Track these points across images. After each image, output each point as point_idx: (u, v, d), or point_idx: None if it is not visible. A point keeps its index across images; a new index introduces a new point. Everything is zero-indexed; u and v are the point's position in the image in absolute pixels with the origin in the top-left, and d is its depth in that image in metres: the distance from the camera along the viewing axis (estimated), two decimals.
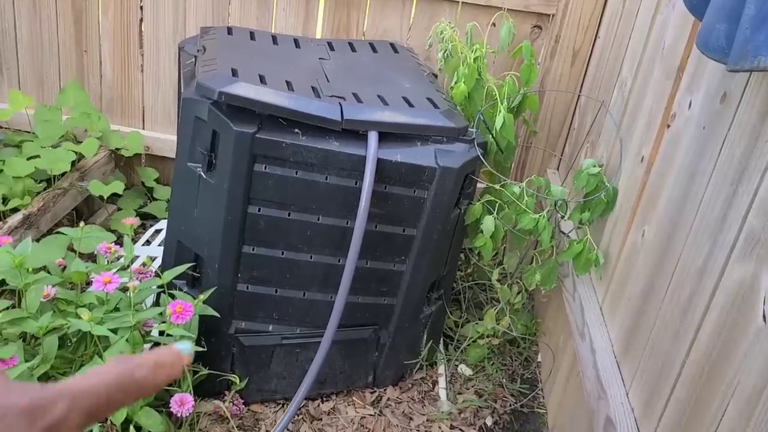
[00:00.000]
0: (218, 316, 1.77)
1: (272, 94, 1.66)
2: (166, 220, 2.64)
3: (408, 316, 1.99)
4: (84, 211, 2.60)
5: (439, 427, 1.99)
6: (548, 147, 2.53)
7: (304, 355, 1.95)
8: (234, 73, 1.71)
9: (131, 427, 1.54)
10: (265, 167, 1.70)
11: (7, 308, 1.55)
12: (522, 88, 2.01)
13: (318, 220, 1.78)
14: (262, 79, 1.72)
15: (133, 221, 1.85)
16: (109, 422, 1.54)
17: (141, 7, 2.63)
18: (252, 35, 2.11)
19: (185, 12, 2.61)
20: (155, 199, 2.83)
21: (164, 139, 2.80)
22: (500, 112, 1.89)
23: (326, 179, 1.73)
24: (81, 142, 2.58)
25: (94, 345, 1.70)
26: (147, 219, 2.76)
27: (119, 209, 2.72)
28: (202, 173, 1.77)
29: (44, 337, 1.55)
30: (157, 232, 2.58)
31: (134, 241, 2.59)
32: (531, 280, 1.98)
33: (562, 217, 1.88)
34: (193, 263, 1.85)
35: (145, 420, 1.61)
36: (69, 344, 1.71)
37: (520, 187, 1.83)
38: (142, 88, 2.77)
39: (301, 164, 1.71)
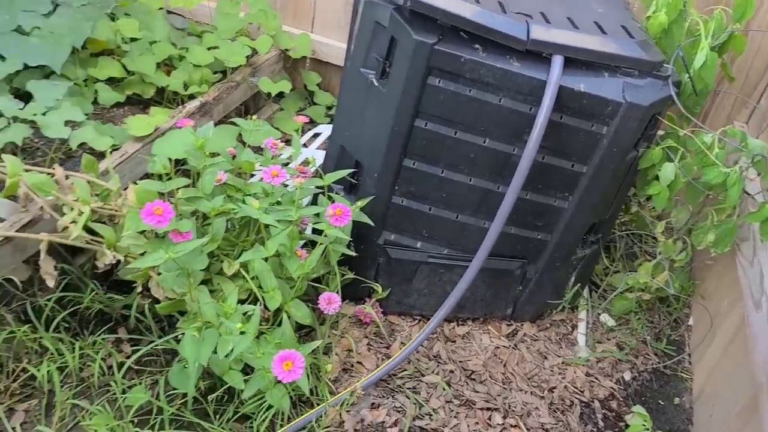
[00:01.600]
0: (372, 224, 1.78)
1: (458, 4, 1.58)
2: (324, 125, 2.70)
3: (560, 256, 1.91)
4: (250, 106, 2.70)
5: (575, 372, 1.94)
6: (743, 96, 2.27)
7: (448, 276, 1.95)
8: None
9: (283, 315, 1.62)
10: (439, 81, 1.65)
11: (186, 186, 1.64)
12: (731, 25, 1.78)
13: (484, 142, 1.72)
14: None
15: (304, 119, 1.88)
16: (263, 307, 1.62)
17: None
18: None
19: None
20: (315, 104, 2.88)
21: (330, 44, 2.81)
22: (702, 49, 1.70)
23: (500, 101, 1.66)
24: (254, 38, 2.65)
25: (256, 233, 1.79)
26: (309, 122, 2.82)
27: (281, 109, 2.80)
28: (374, 81, 1.75)
29: (214, 218, 1.64)
30: (315, 135, 2.63)
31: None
32: (702, 239, 1.82)
33: (759, 174, 1.70)
34: (354, 170, 1.87)
35: (295, 311, 1.69)
36: (233, 228, 1.80)
37: (712, 137, 1.65)
38: None
39: (477, 82, 1.64)
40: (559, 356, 1.99)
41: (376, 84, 1.75)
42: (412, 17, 1.62)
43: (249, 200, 1.64)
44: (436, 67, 1.63)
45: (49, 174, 1.67)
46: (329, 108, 2.89)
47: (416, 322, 2.04)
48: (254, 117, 1.96)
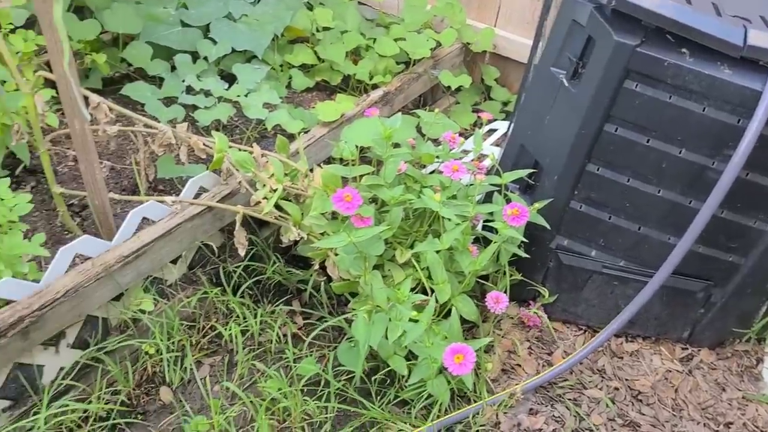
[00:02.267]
0: (548, 227, 1.74)
1: (667, 5, 1.49)
2: (499, 121, 2.68)
3: (753, 282, 1.75)
4: (428, 98, 2.74)
5: (756, 410, 1.78)
6: None
7: (621, 289, 1.86)
8: None
9: (453, 309, 1.63)
10: (637, 85, 1.57)
11: (369, 173, 1.71)
12: None
13: (679, 153, 1.62)
14: None
15: (488, 115, 1.88)
16: (434, 299, 1.65)
17: None
18: None
19: None
20: (491, 99, 2.86)
21: (513, 40, 2.77)
22: None
23: (703, 110, 1.54)
24: (438, 31, 2.68)
25: (429, 224, 1.82)
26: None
27: (457, 102, 2.81)
28: (565, 80, 1.70)
29: (393, 207, 1.69)
30: (491, 131, 2.62)
31: (466, 137, 2.67)
32: None
33: None
34: (533, 170, 1.83)
35: (462, 306, 1.70)
36: (407, 217, 1.85)
37: None
38: None
39: (679, 89, 1.54)
40: (740, 390, 1.83)
41: (566, 84, 1.70)
42: (614, 17, 1.55)
43: (427, 192, 1.67)
44: (635, 71, 1.55)
45: (248, 152, 1.81)
46: (505, 104, 2.86)
47: (581, 332, 1.97)
48: (437, 110, 1.99)
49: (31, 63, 1.95)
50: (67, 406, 1.52)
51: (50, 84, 1.54)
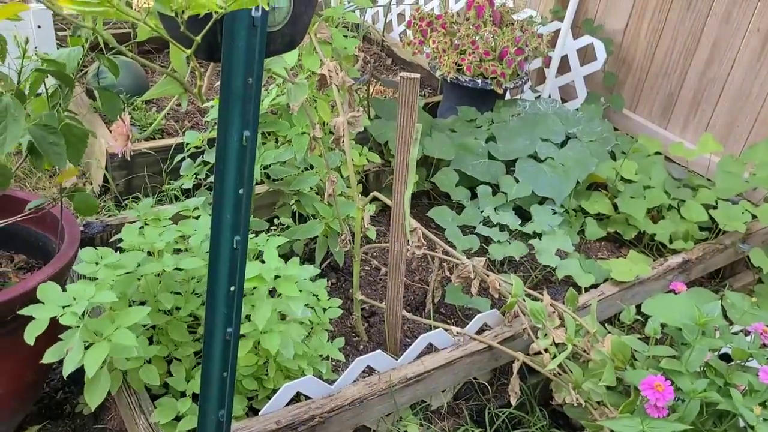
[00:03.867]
0: None
1: None
2: None
3: None
4: (726, 271, 2.51)
5: None
6: None
7: None
8: None
9: None
10: None
11: (670, 357, 1.58)
12: None
13: None
14: None
15: None
16: None
17: None
18: None
19: None
20: None
21: None
22: None
23: None
24: (752, 201, 2.47)
25: (724, 429, 1.61)
26: None
27: (760, 281, 2.52)
28: None
29: (692, 399, 1.53)
30: None
31: None
32: None
33: None
34: None
35: None
36: (701, 414, 1.65)
37: None
38: None
39: None
40: None
41: None
42: None
43: (735, 395, 1.48)
44: None
45: (537, 299, 1.80)
46: None
47: None
48: (753, 299, 1.80)
49: (357, 173, 2.19)
50: None
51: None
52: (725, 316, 1.93)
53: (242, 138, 1.04)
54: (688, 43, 2.84)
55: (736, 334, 1.77)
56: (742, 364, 1.73)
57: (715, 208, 2.35)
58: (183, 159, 2.08)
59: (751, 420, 1.38)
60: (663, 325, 1.78)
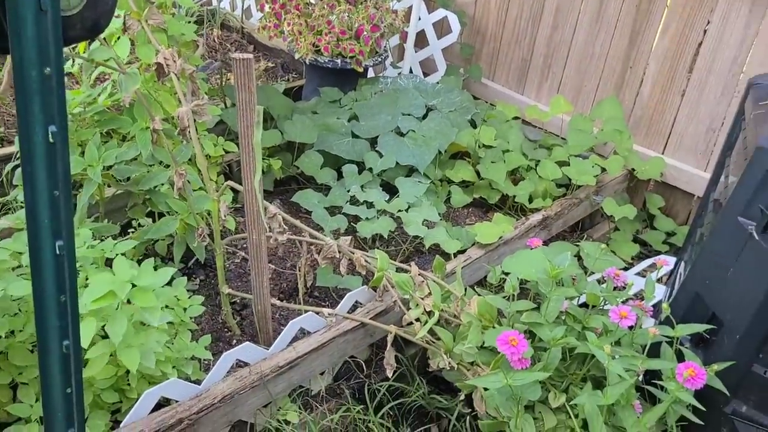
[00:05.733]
0: (727, 394, 1.57)
1: None
2: (665, 256, 2.51)
3: None
4: (586, 222, 2.65)
5: None
6: None
7: None
8: None
9: None
10: None
11: (530, 310, 1.64)
12: None
13: None
14: None
15: (665, 262, 1.77)
16: None
17: (705, 31, 2.49)
18: None
19: (753, 45, 2.37)
20: (654, 228, 2.72)
21: (683, 169, 2.65)
22: None
23: None
24: (602, 155, 2.62)
25: (587, 369, 1.71)
26: (641, 246, 2.67)
27: (617, 229, 2.70)
28: (755, 233, 1.57)
29: (552, 348, 1.60)
30: (652, 265, 2.46)
31: (627, 268, 2.53)
32: None
33: None
34: (710, 326, 1.68)
35: None
36: (565, 359, 1.74)
37: None
38: (676, 113, 2.64)
39: None
40: None
41: (756, 237, 1.56)
42: None
43: (590, 337, 1.56)
44: None
45: (406, 271, 1.82)
46: (669, 235, 2.70)
47: None
48: (602, 245, 1.90)
49: (216, 165, 2.12)
50: None
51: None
52: (585, 266, 2.04)
53: (48, 135, 0.96)
54: (534, 10, 2.96)
55: (600, 282, 1.87)
56: (602, 308, 1.83)
57: (568, 165, 2.47)
58: (15, 167, 1.93)
59: (602, 358, 1.46)
60: (525, 281, 1.85)
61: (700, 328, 1.64)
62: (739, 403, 1.65)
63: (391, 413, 1.87)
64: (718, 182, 1.98)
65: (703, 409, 1.63)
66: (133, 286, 1.33)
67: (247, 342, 1.55)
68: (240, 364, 1.60)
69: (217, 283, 2.01)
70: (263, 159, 2.31)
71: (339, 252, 1.77)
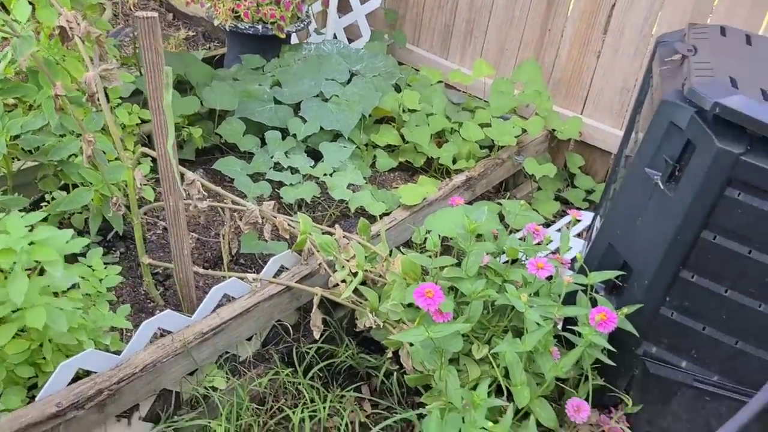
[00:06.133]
0: (637, 335, 1.65)
1: None
2: (584, 212, 2.61)
3: None
4: (509, 183, 2.72)
5: None
6: None
7: (714, 406, 1.72)
8: (733, 83, 1.52)
9: (531, 419, 1.55)
10: (739, 194, 1.49)
11: (452, 265, 1.68)
12: None
13: None
14: (765, 95, 1.49)
15: (577, 213, 1.83)
16: (512, 406, 1.58)
17: None
18: (748, 39, 1.85)
19: (663, 4, 2.45)
20: (575, 187, 2.81)
21: (600, 129, 2.74)
22: None
23: None
24: (523, 116, 2.67)
25: (508, 320, 1.76)
26: (562, 203, 2.76)
27: (539, 188, 2.77)
28: (660, 183, 1.64)
29: (473, 301, 1.65)
30: (575, 222, 2.55)
31: (548, 225, 2.62)
32: None
33: None
34: (621, 272, 1.76)
35: (540, 410, 1.61)
36: (487, 311, 1.79)
37: None
38: (592, 74, 2.72)
39: None
40: None
41: (661, 187, 1.64)
42: (717, 123, 1.49)
43: (510, 289, 1.62)
44: (738, 179, 1.48)
45: (330, 234, 1.82)
46: (589, 192, 2.80)
47: None
48: (522, 202, 1.96)
49: (132, 135, 2.06)
50: None
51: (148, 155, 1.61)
52: (505, 223, 2.09)
53: None
54: None
55: (523, 239, 1.92)
56: (523, 262, 1.89)
57: (490, 126, 2.51)
58: None
59: (520, 307, 1.51)
60: (449, 239, 1.89)
61: (611, 275, 1.72)
62: (649, 345, 1.75)
63: (321, 375, 1.89)
64: (630, 139, 2.06)
65: (616, 351, 1.72)
66: (31, 244, 1.27)
67: (168, 310, 1.52)
68: (164, 334, 1.58)
69: (138, 254, 1.97)
70: (183, 127, 2.26)
71: (261, 217, 1.76)
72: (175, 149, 1.46)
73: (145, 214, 2.03)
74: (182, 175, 1.72)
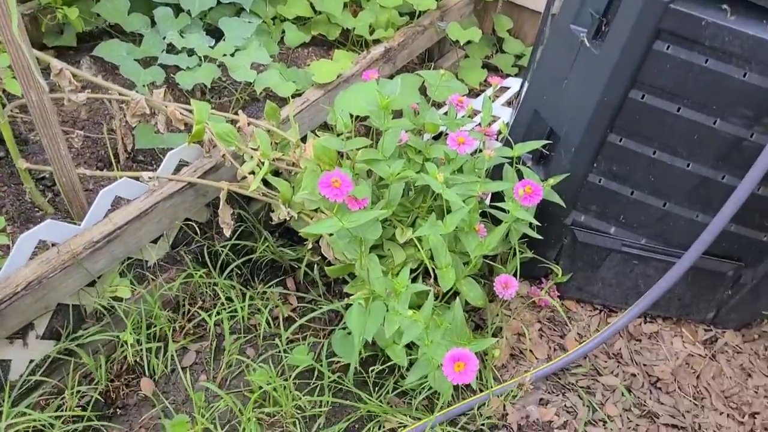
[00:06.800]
0: (564, 205, 1.58)
1: None
2: (512, 78, 2.47)
3: None
4: (434, 52, 2.53)
5: None
6: None
7: (642, 269, 1.71)
8: None
9: (457, 301, 1.49)
10: (668, 47, 1.38)
11: (366, 147, 1.54)
12: None
13: (714, 123, 1.43)
14: None
15: (499, 80, 1.69)
16: (432, 280, 1.52)
17: None
18: None
19: None
20: (503, 52, 2.65)
21: None
22: None
23: (744, 75, 1.35)
24: None
25: (433, 199, 1.66)
26: (491, 71, 2.61)
27: (467, 56, 2.61)
28: (586, 40, 1.51)
29: (392, 183, 1.53)
30: (502, 89, 2.42)
31: (476, 95, 2.48)
32: None
33: None
34: (548, 141, 1.66)
35: (467, 290, 1.56)
36: (409, 191, 1.69)
37: None
38: None
39: (717, 51, 1.34)
40: (767, 376, 1.70)
41: (587, 44, 1.51)
42: None
43: (430, 167, 1.50)
44: (667, 30, 1.36)
45: (232, 121, 1.64)
46: (518, 57, 2.65)
47: (597, 312, 1.83)
48: (443, 71, 1.80)
49: None
50: (37, 402, 1.41)
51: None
52: (427, 95, 1.94)
53: None
54: None
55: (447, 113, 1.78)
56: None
57: None
58: None
59: (437, 188, 1.40)
60: (366, 118, 1.74)
61: (536, 144, 1.62)
62: (578, 214, 1.69)
63: (241, 273, 1.78)
64: None
65: (544, 224, 1.65)
66: None
67: (49, 220, 1.35)
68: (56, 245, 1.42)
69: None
70: (57, 8, 1.96)
71: (149, 107, 1.56)
72: (23, 33, 1.22)
73: (25, 113, 1.79)
74: (48, 65, 1.48)
